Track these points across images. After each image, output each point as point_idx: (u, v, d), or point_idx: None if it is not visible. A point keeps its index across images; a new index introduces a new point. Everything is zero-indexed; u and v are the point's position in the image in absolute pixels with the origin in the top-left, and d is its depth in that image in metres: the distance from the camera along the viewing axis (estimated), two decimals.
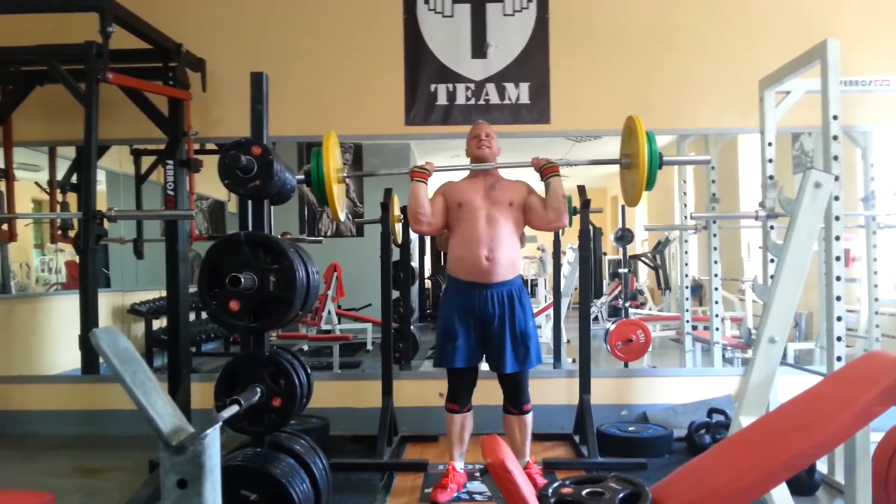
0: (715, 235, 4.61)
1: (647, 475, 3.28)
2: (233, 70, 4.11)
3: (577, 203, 4.06)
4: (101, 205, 3.01)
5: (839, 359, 2.95)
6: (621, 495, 1.85)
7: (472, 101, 4.28)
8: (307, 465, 2.40)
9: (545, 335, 6.13)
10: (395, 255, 4.54)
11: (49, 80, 3.76)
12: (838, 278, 2.96)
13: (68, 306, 5.04)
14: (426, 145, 6.94)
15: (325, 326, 6.89)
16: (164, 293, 4.05)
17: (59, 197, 4.67)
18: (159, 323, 5.66)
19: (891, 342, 4.67)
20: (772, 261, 3.39)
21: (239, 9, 4.33)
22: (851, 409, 1.85)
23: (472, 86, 4.29)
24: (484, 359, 3.15)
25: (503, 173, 3.24)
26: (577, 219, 4.05)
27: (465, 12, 4.27)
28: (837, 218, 2.96)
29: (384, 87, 4.29)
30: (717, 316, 4.65)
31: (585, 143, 7.20)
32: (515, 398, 3.13)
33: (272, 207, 2.59)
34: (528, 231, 3.27)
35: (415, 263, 7.65)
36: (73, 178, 4.77)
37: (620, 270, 6.86)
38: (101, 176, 5.41)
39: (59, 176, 4.69)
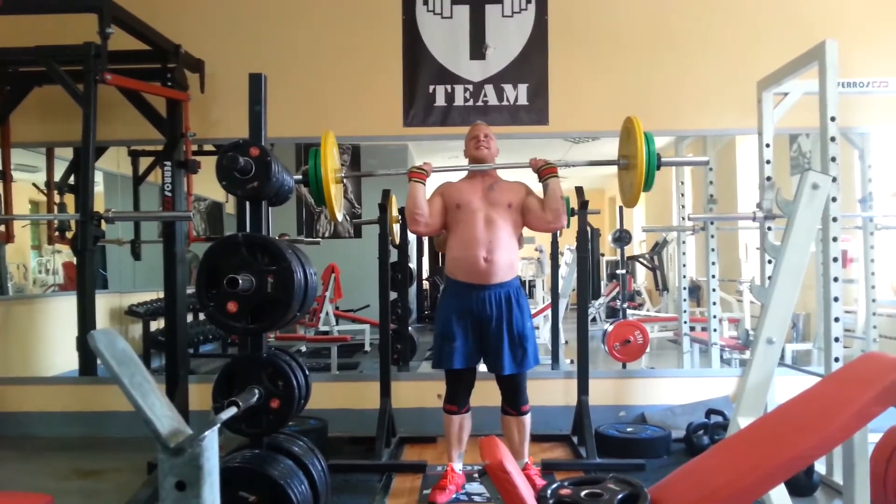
0: (713, 236, 4.61)
1: (646, 476, 3.28)
2: (231, 71, 4.11)
3: (575, 204, 4.07)
4: (99, 206, 3.01)
5: (837, 360, 2.95)
6: (620, 496, 1.85)
7: (471, 103, 4.29)
8: (305, 466, 2.40)
9: (543, 336, 6.13)
10: (393, 256, 4.54)
11: (47, 80, 3.76)
12: (836, 279, 2.97)
13: (66, 308, 5.03)
14: (424, 146, 6.94)
15: (323, 328, 6.89)
16: (161, 294, 4.05)
17: (57, 198, 4.66)
18: (157, 324, 5.65)
19: (888, 343, 4.67)
20: (769, 262, 3.39)
21: (237, 10, 4.33)
22: (849, 410, 1.85)
23: (470, 87, 4.29)
24: (482, 360, 3.15)
25: (501, 174, 3.24)
26: (574, 220, 4.06)
27: (463, 13, 4.28)
28: (835, 219, 2.97)
29: (383, 88, 4.29)
30: (714, 317, 4.66)
31: (584, 144, 7.21)
32: (513, 399, 3.13)
33: (270, 209, 2.59)
34: (526, 232, 3.27)
35: (413, 264, 7.66)
36: (71, 180, 4.76)
37: (618, 271, 6.86)
38: (98, 177, 5.40)
39: (57, 177, 4.67)
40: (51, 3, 3.42)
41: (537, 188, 3.18)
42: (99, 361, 1.95)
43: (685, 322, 5.15)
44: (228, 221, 7.37)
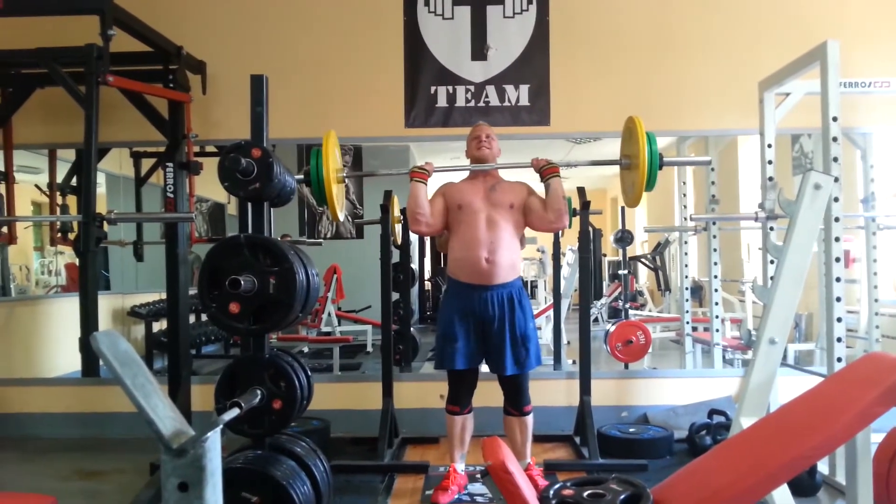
0: (715, 237, 4.61)
1: (648, 476, 3.28)
2: (233, 72, 4.11)
3: (576, 204, 4.07)
4: (101, 207, 3.01)
5: (839, 360, 2.95)
6: (622, 497, 1.84)
7: (472, 103, 4.29)
8: (308, 467, 2.40)
9: (545, 337, 6.13)
10: (395, 256, 4.54)
11: (49, 82, 3.77)
12: (838, 279, 2.96)
13: (68, 309, 5.04)
14: (426, 147, 6.94)
15: (325, 328, 6.89)
16: (164, 296, 4.05)
17: (59, 199, 4.67)
18: (159, 325, 5.65)
19: (891, 343, 4.66)
20: (772, 262, 3.39)
21: (239, 11, 4.34)
22: (852, 410, 1.85)
23: (472, 88, 4.29)
24: (484, 360, 3.15)
25: (503, 174, 3.24)
26: (576, 220, 4.06)
27: (465, 14, 4.28)
28: (837, 219, 2.97)
29: (384, 88, 4.30)
30: (717, 317, 4.66)
31: (585, 144, 7.21)
32: (516, 400, 3.13)
33: (272, 210, 2.59)
34: (527, 232, 3.27)
35: (415, 265, 7.66)
36: (73, 181, 4.77)
37: (620, 272, 6.86)
38: (100, 178, 5.40)
39: (59, 178, 4.69)
40: (52, 5, 3.43)
41: (539, 188, 3.18)
42: (101, 362, 1.95)
43: (687, 322, 5.15)
44: (230, 222, 7.37)
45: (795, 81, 3.47)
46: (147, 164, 4.89)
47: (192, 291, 3.90)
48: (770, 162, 3.52)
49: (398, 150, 7.25)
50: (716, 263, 4.60)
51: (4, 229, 4.22)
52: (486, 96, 4.28)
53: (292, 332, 6.50)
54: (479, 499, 3.13)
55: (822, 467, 3.16)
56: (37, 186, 4.84)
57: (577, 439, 3.85)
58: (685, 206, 5.22)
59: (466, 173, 3.24)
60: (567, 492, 1.89)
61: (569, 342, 5.74)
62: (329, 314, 6.94)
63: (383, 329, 3.98)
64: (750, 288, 5.22)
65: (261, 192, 2.40)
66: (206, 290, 2.32)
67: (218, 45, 4.21)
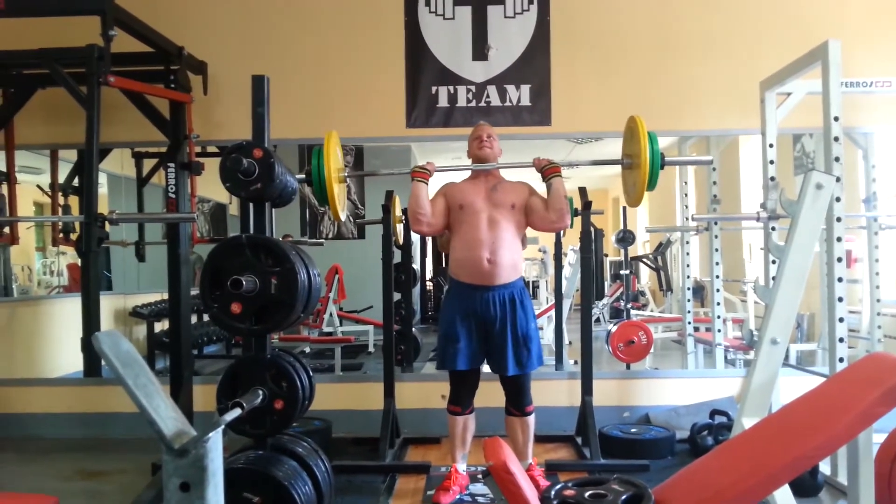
0: (716, 237, 4.61)
1: (650, 477, 3.28)
2: (234, 73, 4.11)
3: (578, 205, 4.06)
4: (103, 208, 3.01)
5: (841, 360, 2.94)
6: (624, 497, 1.84)
7: (474, 103, 4.29)
8: (309, 467, 2.40)
9: (547, 337, 6.12)
10: (397, 257, 4.54)
11: (51, 83, 3.77)
12: (840, 279, 2.96)
13: (70, 309, 5.05)
14: (427, 147, 6.95)
15: (326, 329, 6.90)
16: (165, 296, 4.06)
17: (61, 200, 4.68)
18: (161, 326, 5.66)
19: (893, 343, 4.66)
20: (773, 262, 3.39)
21: (240, 12, 4.34)
22: (854, 411, 1.85)
23: (473, 88, 4.29)
24: (486, 361, 3.15)
25: (505, 174, 3.24)
26: (578, 220, 4.05)
27: (465, 14, 4.28)
28: (839, 219, 2.96)
29: (385, 89, 4.30)
30: (718, 317, 4.65)
31: (587, 144, 7.21)
32: (518, 400, 3.13)
33: (273, 210, 2.59)
34: (529, 232, 3.27)
35: (416, 265, 7.66)
36: (75, 181, 4.78)
37: (622, 272, 6.86)
38: (102, 179, 5.41)
39: (61, 179, 4.69)
40: (53, 6, 3.43)
41: (541, 188, 3.18)
42: (103, 363, 1.95)
43: (689, 322, 5.14)
44: (232, 223, 7.38)
45: (797, 81, 3.46)
46: (149, 164, 4.90)
47: (194, 292, 3.90)
48: (772, 162, 3.52)
49: (400, 150, 7.25)
50: (717, 263, 4.60)
51: (6, 230, 4.23)
52: (488, 96, 4.28)
53: (294, 333, 6.50)
54: (480, 499, 3.13)
55: (824, 468, 3.16)
56: (39, 187, 4.85)
57: (579, 439, 3.85)
58: (687, 206, 5.21)
59: (468, 173, 3.24)
60: (568, 492, 1.89)
61: (570, 342, 5.74)
62: (331, 314, 6.94)
63: (385, 329, 3.98)
64: (752, 288, 5.22)
65: (262, 192, 2.40)
66: (208, 291, 2.32)
67: (219, 45, 4.21)
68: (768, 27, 4.20)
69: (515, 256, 3.07)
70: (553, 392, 4.23)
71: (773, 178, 3.48)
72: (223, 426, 1.48)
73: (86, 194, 3.05)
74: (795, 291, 2.63)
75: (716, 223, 4.60)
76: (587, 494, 1.87)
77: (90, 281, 4.78)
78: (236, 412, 2.07)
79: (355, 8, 4.33)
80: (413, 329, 5.65)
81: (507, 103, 4.28)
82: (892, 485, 2.19)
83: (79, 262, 5.36)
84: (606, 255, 9.83)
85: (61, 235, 4.83)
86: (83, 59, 3.07)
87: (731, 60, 4.21)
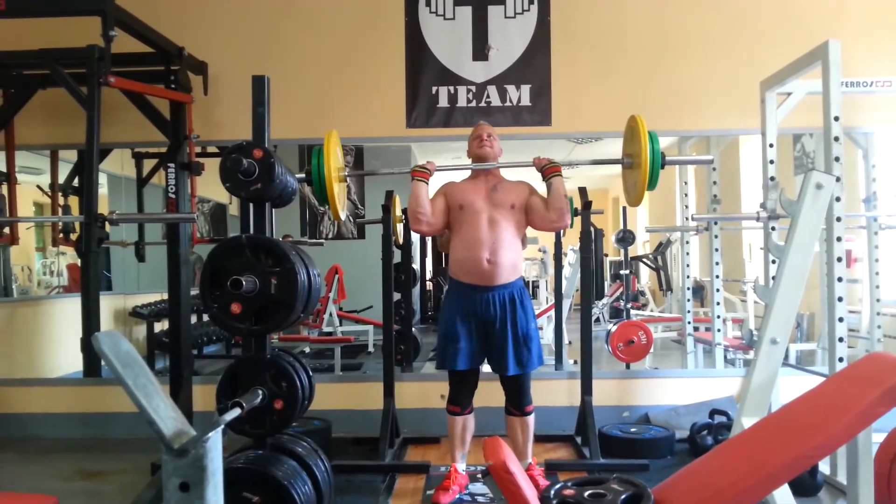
0: (716, 237, 4.61)
1: (649, 476, 3.28)
2: (235, 73, 4.12)
3: (578, 204, 4.06)
4: (103, 208, 3.01)
5: (841, 360, 2.94)
6: (623, 497, 1.84)
7: (474, 104, 4.29)
8: (309, 467, 2.40)
9: (547, 337, 6.12)
10: (397, 256, 4.54)
11: (51, 83, 3.78)
12: (840, 279, 2.96)
13: (70, 309, 5.05)
14: (427, 147, 6.94)
15: (326, 329, 6.89)
16: (165, 296, 4.06)
17: (61, 200, 4.68)
18: (161, 326, 5.66)
19: (893, 343, 4.66)
20: (773, 262, 3.39)
21: (241, 12, 4.34)
22: (854, 410, 1.85)
23: (473, 88, 4.29)
24: (486, 360, 3.15)
25: (505, 173, 3.24)
26: (578, 220, 4.05)
27: (466, 15, 4.28)
28: (839, 219, 2.97)
29: (385, 89, 4.30)
30: (718, 317, 4.65)
31: (587, 144, 7.20)
32: (518, 400, 3.13)
33: (273, 210, 2.59)
34: (529, 232, 3.27)
35: (416, 265, 7.66)
36: (75, 182, 4.78)
37: (622, 272, 6.86)
38: (102, 179, 5.41)
39: (61, 179, 4.69)
40: (53, 6, 3.43)
41: (541, 188, 3.18)
42: (103, 363, 1.95)
43: (689, 322, 5.15)
44: (232, 223, 7.38)
45: (797, 81, 3.46)
46: (149, 164, 4.90)
47: (194, 292, 3.90)
48: (772, 162, 3.52)
49: (400, 150, 7.25)
50: (717, 263, 4.60)
51: (6, 230, 4.23)
52: (488, 96, 4.28)
53: (294, 333, 6.50)
54: (480, 499, 3.13)
55: (824, 467, 3.16)
56: (39, 187, 4.85)
57: (579, 439, 3.85)
58: (687, 206, 5.22)
59: (468, 173, 3.24)
60: (568, 492, 1.89)
61: (570, 342, 5.74)
62: (330, 314, 6.94)
63: (385, 329, 3.98)
64: (751, 288, 5.22)
65: (262, 192, 2.41)
66: (208, 291, 2.32)
67: (219, 45, 4.21)
68: (768, 27, 4.21)
69: (515, 257, 3.07)
70: (553, 392, 4.23)
71: (773, 178, 3.48)
72: (223, 426, 1.49)
73: (86, 194, 3.05)
74: (795, 291, 2.63)
75: (716, 223, 4.60)
76: (587, 494, 1.87)
77: (90, 281, 4.78)
78: (236, 412, 2.07)
79: (355, 8, 4.34)
80: (413, 329, 5.65)
81: (508, 103, 4.28)
82: (892, 484, 2.19)
83: (78, 262, 5.36)
84: (606, 255, 9.83)
85: (61, 236, 4.83)
86: (83, 60, 3.07)
87: (731, 60, 4.21)
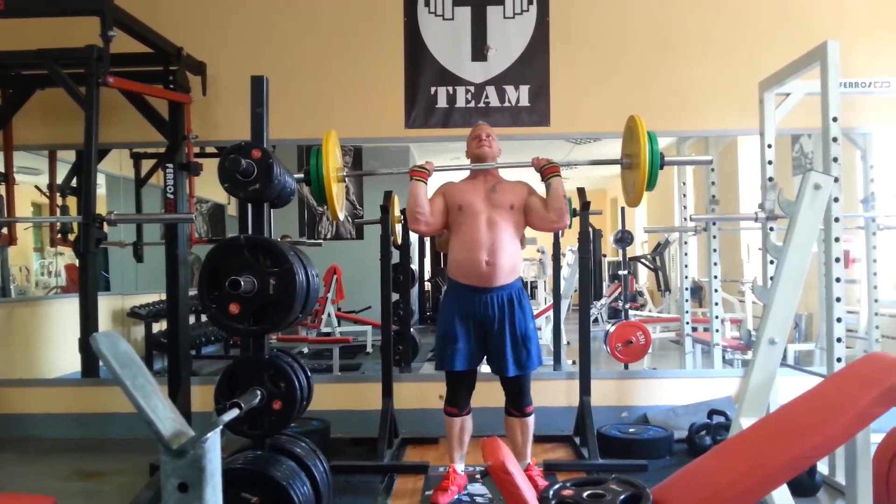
0: (714, 237, 4.61)
1: (648, 477, 3.28)
2: (233, 73, 4.12)
3: (576, 205, 4.06)
4: (101, 208, 3.01)
5: (839, 360, 2.95)
6: (622, 497, 1.85)
7: (472, 104, 4.29)
8: (308, 467, 2.40)
9: (545, 337, 6.13)
10: (395, 257, 4.53)
11: (49, 83, 3.77)
12: (838, 280, 2.96)
13: (68, 310, 5.04)
14: (426, 148, 6.93)
15: (324, 329, 6.89)
16: (163, 296, 4.05)
17: (59, 200, 4.67)
18: (159, 326, 5.65)
19: (891, 343, 4.66)
20: (771, 262, 3.39)
21: (239, 12, 4.34)
22: (852, 411, 1.85)
23: (472, 88, 4.29)
24: (485, 361, 3.15)
25: (503, 174, 3.23)
26: (576, 221, 4.05)
27: (465, 15, 4.28)
28: (837, 219, 2.97)
29: (384, 89, 4.30)
30: (716, 317, 4.65)
31: (585, 145, 7.20)
32: (517, 400, 3.13)
33: (272, 210, 2.59)
34: (528, 233, 3.26)
35: (414, 266, 7.65)
36: (73, 182, 4.77)
37: (620, 272, 6.86)
38: (100, 179, 5.41)
39: (59, 179, 4.69)
40: (53, 6, 3.42)
41: (539, 188, 3.18)
42: (101, 363, 1.95)
43: (687, 323, 5.15)
44: (230, 223, 7.37)
45: (795, 82, 3.47)
46: (147, 165, 4.90)
47: (192, 292, 3.90)
48: (770, 162, 3.52)
49: (398, 150, 7.25)
50: (716, 264, 4.60)
51: (4, 230, 4.22)
52: (487, 97, 4.29)
53: (292, 333, 6.50)
54: (478, 499, 3.13)
55: (822, 467, 3.16)
56: (37, 187, 4.85)
57: (577, 439, 3.85)
58: (685, 207, 5.22)
59: (467, 173, 3.24)
60: (567, 492, 1.89)
61: (568, 342, 5.74)
62: (329, 315, 6.93)
63: (383, 330, 3.98)
64: (750, 288, 5.22)
65: (261, 193, 2.40)
66: (206, 291, 2.32)
67: (218, 46, 4.21)
68: (768, 27, 4.21)
69: (514, 258, 3.07)
70: (551, 392, 4.23)
71: (771, 179, 3.48)
72: (221, 426, 1.48)
73: (84, 195, 3.05)
74: (793, 292, 2.63)
75: (714, 223, 4.60)
76: (585, 494, 1.87)
77: (88, 281, 4.77)
78: (234, 412, 2.06)
79: (355, 8, 4.33)
80: (411, 329, 5.65)
81: (506, 104, 4.28)
82: (890, 484, 2.20)
83: (77, 262, 5.36)
84: (605, 256, 9.86)
85: (59, 236, 4.82)
86: (82, 60, 3.07)
87: (730, 60, 4.21)
